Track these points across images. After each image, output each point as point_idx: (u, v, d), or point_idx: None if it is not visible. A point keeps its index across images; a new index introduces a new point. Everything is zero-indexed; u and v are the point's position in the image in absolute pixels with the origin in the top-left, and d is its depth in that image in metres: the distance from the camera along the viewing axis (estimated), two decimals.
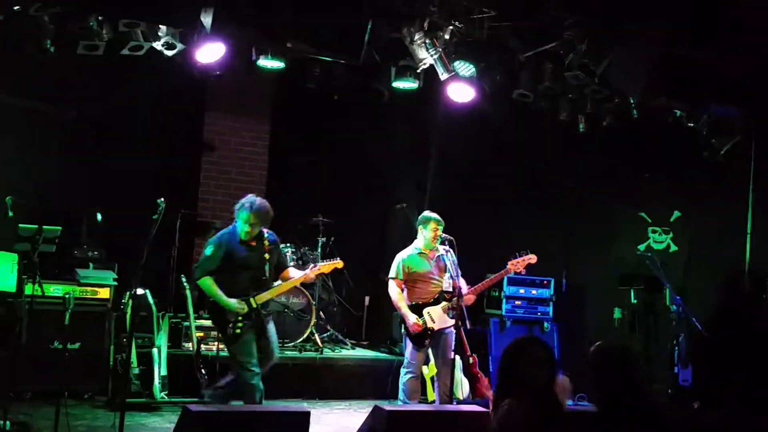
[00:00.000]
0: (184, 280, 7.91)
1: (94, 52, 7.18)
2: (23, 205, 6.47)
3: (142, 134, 8.94)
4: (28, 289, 6.48)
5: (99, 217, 8.15)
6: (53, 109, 8.39)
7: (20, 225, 6.63)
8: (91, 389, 7.38)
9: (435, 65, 7.55)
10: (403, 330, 7.05)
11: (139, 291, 7.20)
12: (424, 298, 6.96)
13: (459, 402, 7.46)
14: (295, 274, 6.62)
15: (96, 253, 7.92)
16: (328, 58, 8.16)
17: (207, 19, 7.00)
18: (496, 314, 9.16)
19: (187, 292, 7.49)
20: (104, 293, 7.60)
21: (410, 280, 7.00)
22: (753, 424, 7.14)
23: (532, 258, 7.15)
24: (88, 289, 7.54)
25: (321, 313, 9.09)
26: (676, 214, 9.68)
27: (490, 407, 3.80)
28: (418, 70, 8.03)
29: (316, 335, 8.66)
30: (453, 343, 6.82)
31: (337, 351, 8.77)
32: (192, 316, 7.63)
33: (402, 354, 7.30)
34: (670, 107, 8.57)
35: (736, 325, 8.82)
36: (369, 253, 10.18)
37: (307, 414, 5.15)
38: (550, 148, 9.62)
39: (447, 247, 6.89)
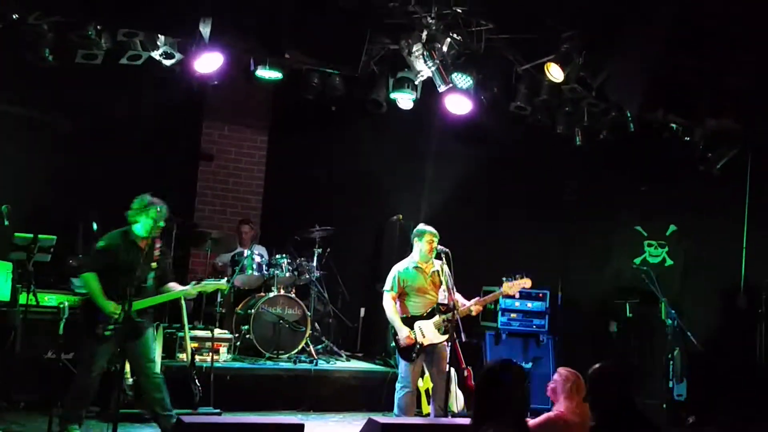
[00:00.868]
0: None
1: (93, 61, 7.20)
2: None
3: (139, 143, 8.94)
4: (23, 298, 6.48)
5: (95, 226, 8.12)
6: (50, 119, 8.38)
7: (16, 234, 6.62)
8: None
9: (433, 77, 7.58)
10: (393, 343, 7.04)
11: None
12: (418, 311, 6.95)
13: (454, 415, 7.42)
14: (176, 287, 6.49)
15: None
16: (326, 69, 8.17)
17: (206, 29, 7.02)
18: (492, 327, 9.14)
19: (182, 302, 7.46)
20: None
21: (405, 294, 6.99)
22: None
23: (527, 282, 7.13)
24: (83, 298, 7.51)
25: (316, 324, 9.07)
26: (672, 228, 9.70)
27: None
28: (416, 82, 8.07)
29: (311, 347, 8.63)
30: (448, 355, 6.80)
31: (332, 363, 8.74)
32: (186, 326, 7.60)
33: (397, 366, 7.28)
34: (666, 121, 8.60)
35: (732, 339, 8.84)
36: (364, 264, 10.17)
37: (301, 426, 5.14)
38: (547, 161, 9.64)
39: (442, 261, 6.89)
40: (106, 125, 8.67)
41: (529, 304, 9.14)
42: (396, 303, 6.97)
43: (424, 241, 6.98)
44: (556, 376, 5.36)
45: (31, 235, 6.46)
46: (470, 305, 6.98)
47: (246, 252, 8.91)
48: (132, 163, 8.73)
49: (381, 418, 5.64)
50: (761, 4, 6.96)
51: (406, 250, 7.29)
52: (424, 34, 7.40)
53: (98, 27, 6.95)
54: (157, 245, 6.27)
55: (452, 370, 7.06)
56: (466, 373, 7.65)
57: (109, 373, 6.49)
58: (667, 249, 9.71)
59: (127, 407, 6.97)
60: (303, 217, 9.38)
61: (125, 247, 6.20)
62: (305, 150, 9.97)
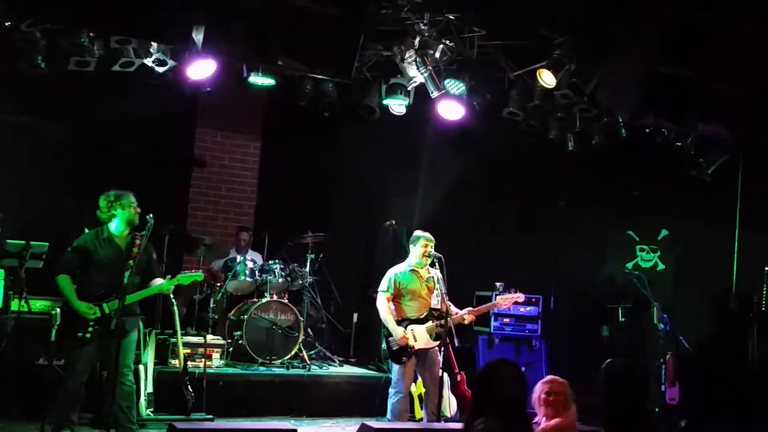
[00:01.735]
0: (171, 296, 7.86)
1: (86, 68, 7.18)
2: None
3: (132, 150, 8.93)
4: (14, 304, 6.45)
5: (87, 232, 8.11)
6: (42, 125, 8.38)
7: (8, 240, 6.61)
8: None
9: (425, 83, 7.60)
10: (384, 345, 7.05)
11: None
12: (412, 314, 6.97)
13: (447, 420, 7.44)
14: (158, 283, 6.33)
15: None
16: (319, 76, 8.19)
17: (198, 36, 7.02)
18: (485, 332, 9.15)
19: (175, 308, 7.46)
20: None
21: (400, 296, 7.01)
22: None
23: (520, 297, 7.55)
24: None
25: (309, 329, 9.06)
26: (664, 232, 9.75)
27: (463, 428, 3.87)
28: (409, 88, 8.09)
29: (304, 352, 8.62)
30: (441, 360, 6.82)
31: (324, 368, 8.74)
32: (179, 332, 7.59)
33: (390, 371, 7.28)
34: (658, 126, 8.63)
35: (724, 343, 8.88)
36: (357, 270, 10.18)
37: None
38: (539, 167, 9.67)
39: (436, 269, 6.91)
40: (98, 132, 8.67)
41: (522, 309, 9.16)
42: (390, 304, 6.99)
43: (420, 245, 7.01)
44: (552, 388, 5.22)
45: (24, 242, 6.44)
46: (463, 314, 7.01)
47: (239, 258, 8.92)
48: (125, 170, 8.71)
49: (374, 423, 5.65)
50: (750, 11, 7.00)
51: (399, 255, 7.31)
52: (417, 40, 7.43)
53: (91, 34, 6.94)
54: (137, 242, 6.13)
55: (445, 374, 7.09)
56: (459, 378, 7.69)
57: (101, 380, 6.47)
58: (659, 253, 9.76)
59: None
60: (296, 223, 9.39)
61: (101, 245, 6.13)
62: (298, 156, 9.98)
